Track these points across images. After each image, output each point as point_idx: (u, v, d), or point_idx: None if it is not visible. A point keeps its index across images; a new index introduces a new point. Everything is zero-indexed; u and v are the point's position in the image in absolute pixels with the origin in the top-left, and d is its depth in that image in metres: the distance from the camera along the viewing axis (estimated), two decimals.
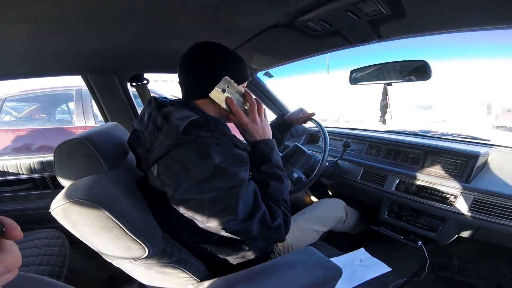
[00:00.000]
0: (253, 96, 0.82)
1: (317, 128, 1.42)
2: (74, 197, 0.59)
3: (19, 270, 0.29)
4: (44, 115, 3.48)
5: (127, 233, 0.61)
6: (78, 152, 0.69)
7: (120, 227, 0.60)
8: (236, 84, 0.76)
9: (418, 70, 1.06)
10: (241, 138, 0.79)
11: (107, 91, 1.37)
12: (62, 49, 1.02)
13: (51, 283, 0.60)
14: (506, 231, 1.01)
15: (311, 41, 0.98)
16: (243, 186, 0.68)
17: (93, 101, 2.81)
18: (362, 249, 1.37)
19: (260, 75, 1.67)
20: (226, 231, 0.68)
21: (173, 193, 0.66)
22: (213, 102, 0.74)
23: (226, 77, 0.73)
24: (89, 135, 0.72)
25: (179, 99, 0.83)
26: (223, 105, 0.75)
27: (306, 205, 1.47)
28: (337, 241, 1.59)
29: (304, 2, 0.75)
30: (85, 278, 1.22)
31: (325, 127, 1.51)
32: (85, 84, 1.38)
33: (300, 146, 1.51)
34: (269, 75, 1.63)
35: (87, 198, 0.59)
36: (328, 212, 1.34)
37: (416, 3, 0.71)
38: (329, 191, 1.91)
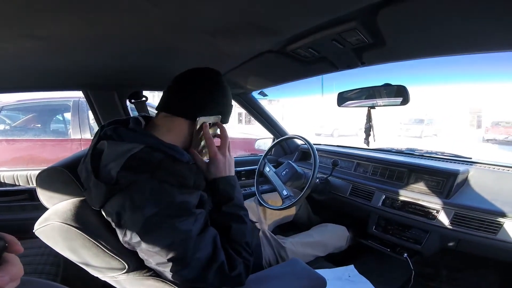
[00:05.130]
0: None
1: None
2: (53, 220, 0.64)
3: None
4: (39, 125, 3.45)
5: (105, 251, 0.64)
6: (58, 179, 0.73)
7: (97, 245, 0.64)
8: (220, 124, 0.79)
9: (399, 94, 1.13)
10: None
11: (107, 107, 1.41)
12: (66, 66, 1.05)
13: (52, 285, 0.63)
14: (485, 243, 1.07)
15: (301, 66, 1.04)
16: (189, 239, 0.60)
17: (89, 112, 2.82)
18: (352, 266, 1.41)
19: (255, 93, 1.73)
20: (179, 281, 0.63)
21: (122, 237, 0.63)
22: (182, 126, 0.74)
23: (220, 116, 0.77)
24: (68, 163, 0.76)
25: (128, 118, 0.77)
26: (201, 137, 0.75)
27: (308, 224, 1.55)
28: (328, 254, 1.63)
29: (294, 31, 0.80)
30: None
31: (317, 143, 1.57)
32: (83, 96, 1.42)
33: (292, 164, 1.57)
34: (263, 94, 1.69)
35: (64, 221, 0.64)
36: (332, 241, 1.43)
37: (394, 33, 0.78)
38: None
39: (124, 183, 0.59)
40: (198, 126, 0.73)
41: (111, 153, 0.62)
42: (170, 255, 0.60)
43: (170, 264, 0.61)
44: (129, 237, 0.61)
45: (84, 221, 0.65)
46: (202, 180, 0.70)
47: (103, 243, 0.65)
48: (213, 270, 0.63)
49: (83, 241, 0.64)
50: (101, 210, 0.65)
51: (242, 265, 0.68)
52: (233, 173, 0.78)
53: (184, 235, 0.60)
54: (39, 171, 0.75)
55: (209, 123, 0.74)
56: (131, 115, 1.45)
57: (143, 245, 0.60)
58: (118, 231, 0.63)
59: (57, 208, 0.68)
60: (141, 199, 0.58)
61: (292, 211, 1.68)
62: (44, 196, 0.73)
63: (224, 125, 0.81)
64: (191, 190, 0.64)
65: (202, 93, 0.75)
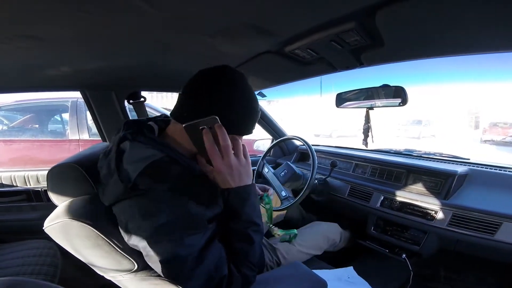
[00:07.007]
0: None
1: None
2: (66, 217, 0.63)
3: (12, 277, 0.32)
4: (37, 125, 3.43)
5: (117, 250, 0.64)
6: (69, 175, 0.71)
7: (110, 244, 0.64)
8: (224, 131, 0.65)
9: (397, 95, 1.14)
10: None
11: (105, 107, 1.41)
12: (64, 66, 1.05)
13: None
14: (483, 244, 1.07)
15: (300, 66, 1.04)
16: (190, 255, 0.58)
17: (88, 113, 2.81)
18: (351, 268, 1.42)
19: None
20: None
21: (127, 239, 0.63)
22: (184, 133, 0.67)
23: (215, 117, 0.64)
24: (80, 159, 0.75)
25: (154, 120, 0.77)
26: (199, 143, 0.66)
27: (300, 222, 1.51)
28: (327, 255, 1.63)
29: (293, 32, 0.81)
30: None
31: (316, 145, 1.57)
32: (81, 96, 1.42)
33: (291, 165, 1.58)
34: (262, 95, 1.69)
35: (77, 218, 0.63)
36: (324, 238, 1.40)
37: (392, 34, 0.78)
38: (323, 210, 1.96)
39: (142, 188, 0.58)
40: (190, 132, 0.66)
41: (133, 156, 0.62)
42: (167, 270, 0.59)
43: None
44: (133, 241, 0.61)
45: (98, 218, 0.64)
46: (217, 192, 0.69)
47: (115, 242, 0.64)
48: (214, 282, 0.60)
49: (96, 240, 0.63)
50: (111, 207, 0.64)
51: (240, 281, 0.64)
52: (247, 182, 0.70)
53: (189, 249, 0.58)
54: (37, 171, 0.74)
55: (205, 127, 0.65)
56: (129, 116, 1.46)
57: (148, 252, 0.60)
58: (123, 233, 0.62)
59: (68, 205, 0.67)
60: (156, 207, 0.57)
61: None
62: (55, 192, 0.72)
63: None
64: (207, 203, 0.63)
65: (189, 93, 0.70)
